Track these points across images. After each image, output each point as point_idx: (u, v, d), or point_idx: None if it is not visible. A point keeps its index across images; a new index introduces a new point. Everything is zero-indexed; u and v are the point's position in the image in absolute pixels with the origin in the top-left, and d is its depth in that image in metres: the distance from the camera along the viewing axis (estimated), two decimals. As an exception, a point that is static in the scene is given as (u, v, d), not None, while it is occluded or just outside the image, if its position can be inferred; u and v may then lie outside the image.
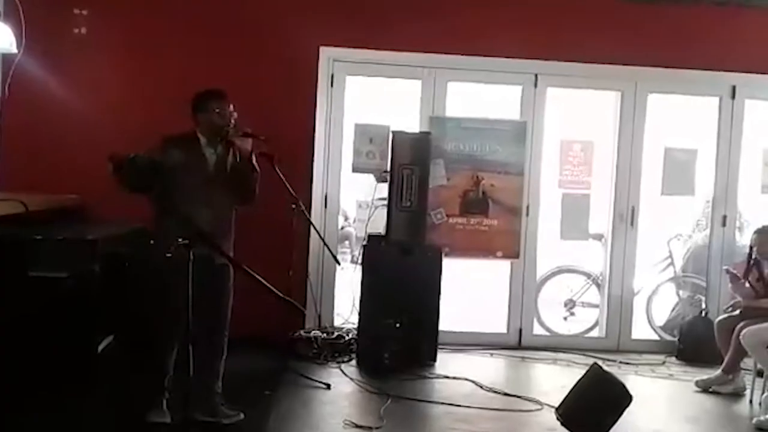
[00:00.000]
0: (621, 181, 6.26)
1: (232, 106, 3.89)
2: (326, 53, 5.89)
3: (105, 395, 4.13)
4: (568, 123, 7.00)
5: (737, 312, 5.23)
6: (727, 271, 5.36)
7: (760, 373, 4.95)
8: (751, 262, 5.23)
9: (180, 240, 2.90)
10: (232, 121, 3.88)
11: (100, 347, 4.36)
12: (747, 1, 5.80)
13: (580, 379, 4.24)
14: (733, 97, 6.25)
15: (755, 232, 5.29)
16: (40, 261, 4.13)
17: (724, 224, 6.35)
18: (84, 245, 4.26)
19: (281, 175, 4.40)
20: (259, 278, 2.67)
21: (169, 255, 3.23)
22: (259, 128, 3.95)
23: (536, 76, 6.09)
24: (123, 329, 4.61)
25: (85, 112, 5.52)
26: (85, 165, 4.81)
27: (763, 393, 4.81)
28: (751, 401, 5.00)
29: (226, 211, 3.96)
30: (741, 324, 5.00)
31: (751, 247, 5.25)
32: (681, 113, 6.94)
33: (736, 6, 5.92)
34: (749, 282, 5.22)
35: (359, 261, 5.66)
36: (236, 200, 3.98)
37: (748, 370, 5.17)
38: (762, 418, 4.53)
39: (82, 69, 5.60)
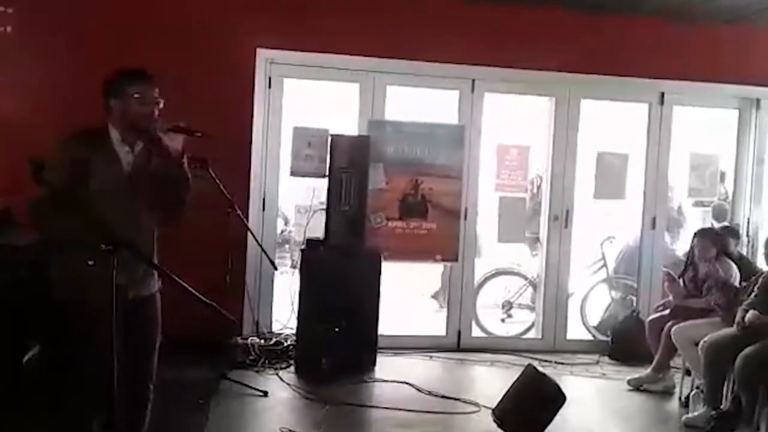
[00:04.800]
0: (555, 185, 6.37)
1: (157, 92, 2.96)
2: (263, 55, 5.82)
3: (30, 408, 3.97)
4: (505, 128, 7.09)
5: (667, 311, 5.41)
6: (667, 274, 5.52)
7: (688, 372, 5.11)
8: (689, 262, 5.41)
9: (104, 246, 2.29)
10: (157, 110, 2.94)
11: (25, 358, 4.20)
12: (676, 14, 6.00)
13: (515, 381, 4.30)
14: (662, 103, 6.45)
15: (695, 235, 5.46)
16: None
17: (653, 227, 6.53)
18: (11, 251, 4.10)
19: (216, 180, 4.32)
20: (184, 285, 2.47)
21: (91, 263, 2.62)
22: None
23: (473, 81, 6.16)
24: (48, 340, 4.43)
25: (10, 113, 5.30)
26: (12, 168, 4.62)
27: (691, 391, 4.97)
28: (680, 398, 5.15)
29: (147, 227, 3.03)
30: (670, 323, 5.15)
31: (692, 248, 5.42)
32: (613, 119, 7.12)
33: (664, 17, 6.12)
34: (684, 281, 5.40)
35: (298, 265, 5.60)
36: (159, 215, 3.02)
37: (677, 368, 5.32)
38: (690, 415, 4.67)
39: (6, 69, 5.38)
